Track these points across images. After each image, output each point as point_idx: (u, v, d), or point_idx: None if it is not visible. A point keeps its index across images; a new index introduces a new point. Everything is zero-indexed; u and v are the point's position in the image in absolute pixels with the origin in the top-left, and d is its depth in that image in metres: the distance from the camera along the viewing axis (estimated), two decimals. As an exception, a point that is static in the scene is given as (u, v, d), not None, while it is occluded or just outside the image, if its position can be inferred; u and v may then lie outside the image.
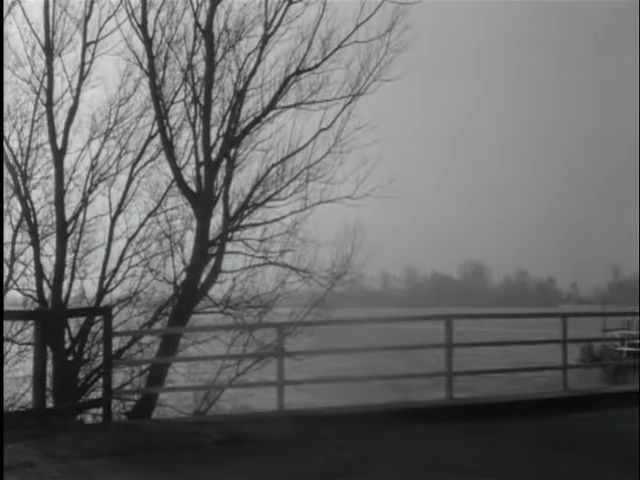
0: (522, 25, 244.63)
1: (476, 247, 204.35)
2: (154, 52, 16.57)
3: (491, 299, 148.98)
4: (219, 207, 16.99)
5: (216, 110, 17.05)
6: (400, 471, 7.29)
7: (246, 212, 17.32)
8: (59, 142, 16.16)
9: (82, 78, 16.47)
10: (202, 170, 16.72)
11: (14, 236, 16.18)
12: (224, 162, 17.03)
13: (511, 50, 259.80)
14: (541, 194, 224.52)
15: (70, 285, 16.38)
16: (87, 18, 16.45)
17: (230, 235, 17.18)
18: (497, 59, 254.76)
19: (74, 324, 16.09)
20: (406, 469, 7.39)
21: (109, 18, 16.53)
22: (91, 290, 16.65)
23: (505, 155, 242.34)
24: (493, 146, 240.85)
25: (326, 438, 8.72)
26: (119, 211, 16.94)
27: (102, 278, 16.66)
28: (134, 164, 17.11)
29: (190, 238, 16.93)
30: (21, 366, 14.72)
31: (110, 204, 16.93)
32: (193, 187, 16.76)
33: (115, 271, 16.82)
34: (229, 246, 17.21)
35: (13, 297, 16.20)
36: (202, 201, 16.63)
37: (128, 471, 6.74)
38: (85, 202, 16.70)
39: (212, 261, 16.90)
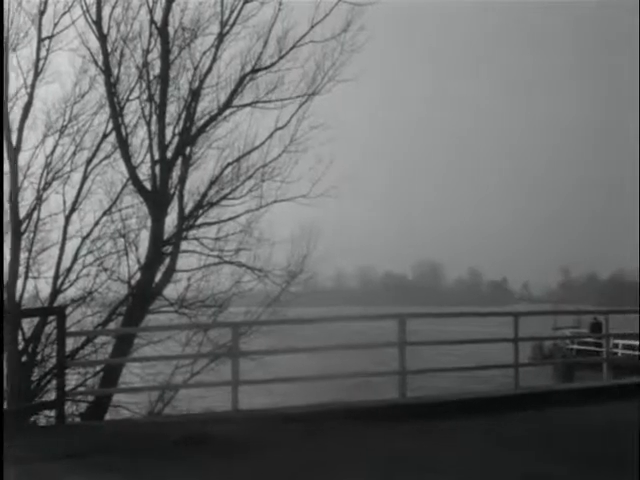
0: (479, 24, 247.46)
1: (430, 247, 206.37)
2: (109, 49, 16.42)
3: (445, 299, 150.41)
4: (174, 206, 16.93)
5: (171, 108, 16.99)
6: (355, 469, 7.37)
7: (201, 211, 17.29)
8: (14, 139, 15.91)
9: (37, 74, 16.22)
10: (157, 168, 16.63)
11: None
12: (179, 161, 16.96)
13: (466, 50, 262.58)
14: (492, 196, 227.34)
15: (24, 285, 16.15)
16: (42, 13, 16.20)
17: (185, 234, 17.12)
18: (452, 59, 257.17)
19: (28, 325, 15.85)
20: (361, 466, 7.48)
21: (64, 14, 16.30)
22: (45, 290, 16.45)
23: (459, 154, 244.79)
24: (447, 145, 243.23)
25: (281, 437, 8.76)
26: (73, 209, 16.74)
27: (56, 278, 16.44)
28: (89, 162, 16.92)
29: (145, 237, 16.85)
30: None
31: (64, 202, 16.73)
32: (148, 185, 16.66)
33: (69, 270, 16.62)
34: (184, 245, 17.16)
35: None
36: (157, 200, 16.53)
37: (84, 473, 6.70)
38: (39, 200, 16.47)
39: (167, 260, 16.82)
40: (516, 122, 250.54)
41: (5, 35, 15.82)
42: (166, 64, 16.70)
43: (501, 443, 8.73)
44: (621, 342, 33.69)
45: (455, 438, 8.98)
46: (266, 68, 17.23)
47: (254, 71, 17.18)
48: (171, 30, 16.76)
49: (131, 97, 16.82)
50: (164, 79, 16.68)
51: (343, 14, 17.13)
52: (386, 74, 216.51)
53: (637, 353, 32.71)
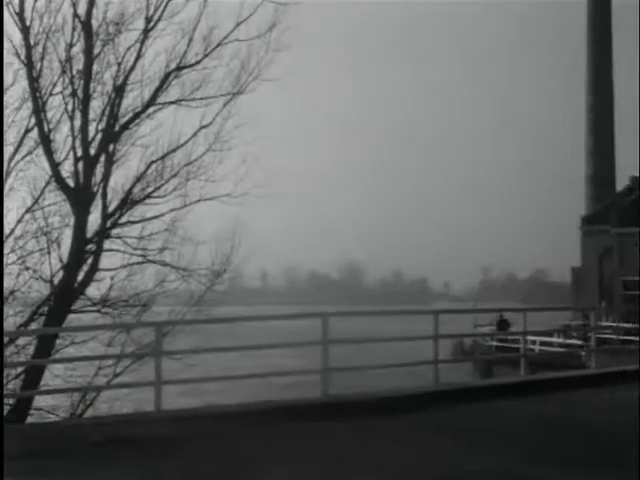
0: (404, 19, 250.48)
1: (353, 247, 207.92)
2: (32, 42, 16.08)
3: (368, 298, 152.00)
4: (97, 204, 16.68)
5: (95, 104, 16.74)
6: (282, 467, 7.49)
7: (125, 209, 17.06)
8: None
9: (-42, 66, 15.75)
10: (80, 165, 16.36)
11: None
12: (103, 158, 16.71)
13: (390, 51, 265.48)
14: (417, 196, 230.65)
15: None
16: (-38, 3, 15.75)
17: (108, 232, 16.89)
18: (378, 61, 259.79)
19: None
20: (286, 465, 7.60)
21: (-16, 4, 15.88)
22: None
23: (384, 152, 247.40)
24: (372, 144, 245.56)
25: (205, 437, 8.80)
26: (-6, 206, 16.31)
27: (-24, 276, 15.99)
28: (11, 158, 16.51)
29: (68, 235, 16.54)
30: None
31: (-15, 199, 16.27)
32: (71, 183, 16.37)
33: (-10, 269, 16.18)
34: (107, 244, 16.93)
35: None
36: (80, 197, 16.28)
37: (6, 477, 6.60)
38: (-40, 196, 15.98)
39: (90, 259, 16.58)
40: (436, 115, 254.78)
41: None
42: (90, 59, 16.45)
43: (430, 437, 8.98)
44: (538, 339, 34.81)
45: (378, 436, 9.18)
46: (191, 66, 17.15)
47: (179, 68, 17.08)
48: (95, 24, 16.51)
49: (54, 92, 16.50)
50: (87, 74, 16.43)
51: (268, 13, 17.22)
52: (312, 73, 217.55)
53: (553, 349, 33.87)
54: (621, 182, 56.38)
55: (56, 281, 16.38)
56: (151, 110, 17.10)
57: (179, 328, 15.35)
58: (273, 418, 9.76)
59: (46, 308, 16.25)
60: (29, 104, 16.36)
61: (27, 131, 16.55)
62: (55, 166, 16.30)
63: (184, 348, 14.52)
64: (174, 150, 17.27)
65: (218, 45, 17.17)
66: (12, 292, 16.27)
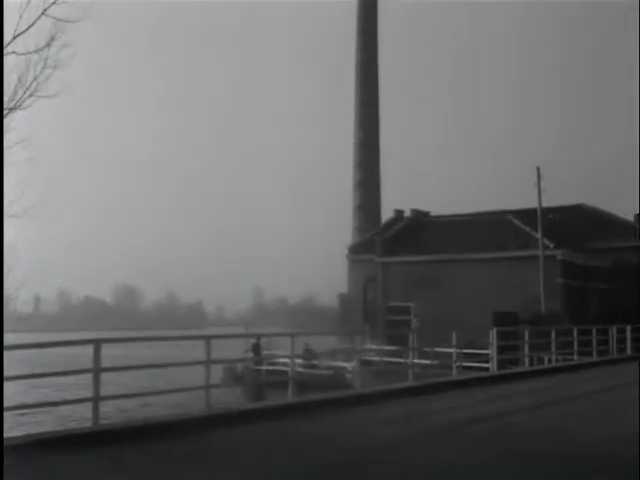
0: (199, 40, 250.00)
1: (128, 271, 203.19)
2: None
3: (143, 322, 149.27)
4: None
5: None
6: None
7: None
8: None
9: None
10: None
11: None
12: None
13: (182, 69, 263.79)
14: (189, 218, 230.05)
15: None
16: None
17: None
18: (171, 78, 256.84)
19: None
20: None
21: None
22: None
23: (161, 176, 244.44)
24: (146, 168, 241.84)
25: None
26: None
27: None
28: None
29: None
30: None
31: None
32: None
33: None
34: None
35: None
36: None
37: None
38: None
39: None
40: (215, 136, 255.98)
41: None
42: None
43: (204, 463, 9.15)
44: (307, 362, 35.99)
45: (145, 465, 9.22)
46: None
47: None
48: None
49: None
50: None
51: (47, 28, 16.74)
52: (91, 91, 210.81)
53: (321, 372, 35.19)
54: (386, 214, 60.15)
55: None
56: None
57: None
58: (47, 450, 9.44)
59: None
60: None
61: None
62: None
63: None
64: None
65: (-7, 57, 16.36)
66: None
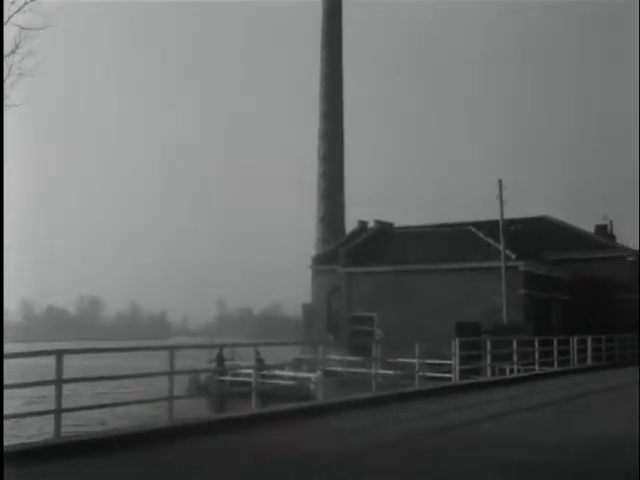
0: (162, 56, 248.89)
1: (91, 281, 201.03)
2: None
3: (107, 333, 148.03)
4: None
5: None
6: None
7: None
8: None
9: None
10: None
11: None
12: None
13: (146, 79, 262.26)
14: (149, 225, 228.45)
15: None
16: None
17: None
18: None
19: None
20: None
21: None
22: None
23: (128, 193, 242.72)
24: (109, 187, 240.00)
25: None
26: None
27: None
28: None
29: None
30: None
31: None
32: None
33: None
34: None
35: None
36: None
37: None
38: None
39: None
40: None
41: None
42: None
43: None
44: (271, 372, 35.98)
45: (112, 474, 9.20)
46: None
47: None
48: None
49: None
50: None
51: (11, 36, 16.68)
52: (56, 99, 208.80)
53: (285, 382, 35.19)
54: (350, 225, 60.36)
55: None
56: None
57: None
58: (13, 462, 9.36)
59: None
60: None
61: None
62: None
63: None
64: None
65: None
66: None
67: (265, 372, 35.32)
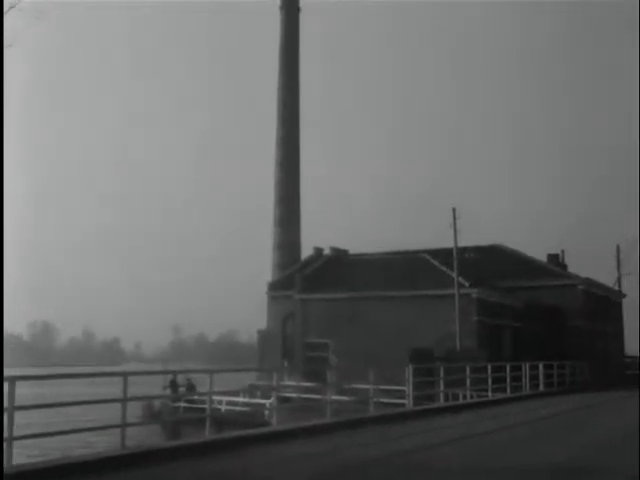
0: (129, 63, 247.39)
1: (44, 306, 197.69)
2: None
3: (60, 359, 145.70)
4: None
5: None
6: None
7: None
8: None
9: None
10: None
11: None
12: None
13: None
14: (111, 255, 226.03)
15: None
16: None
17: None
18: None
19: None
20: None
21: None
22: None
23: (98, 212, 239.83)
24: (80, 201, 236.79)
25: None
26: None
27: None
28: None
29: None
30: None
31: None
32: None
33: None
34: None
35: None
36: None
37: None
38: None
39: None
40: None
41: None
42: None
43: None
44: (225, 399, 35.79)
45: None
46: None
47: None
48: None
49: None
50: None
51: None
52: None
53: (239, 408, 34.99)
54: (306, 251, 60.53)
55: None
56: None
57: None
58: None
59: None
60: None
61: None
62: None
63: None
64: None
65: None
66: None
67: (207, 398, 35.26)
